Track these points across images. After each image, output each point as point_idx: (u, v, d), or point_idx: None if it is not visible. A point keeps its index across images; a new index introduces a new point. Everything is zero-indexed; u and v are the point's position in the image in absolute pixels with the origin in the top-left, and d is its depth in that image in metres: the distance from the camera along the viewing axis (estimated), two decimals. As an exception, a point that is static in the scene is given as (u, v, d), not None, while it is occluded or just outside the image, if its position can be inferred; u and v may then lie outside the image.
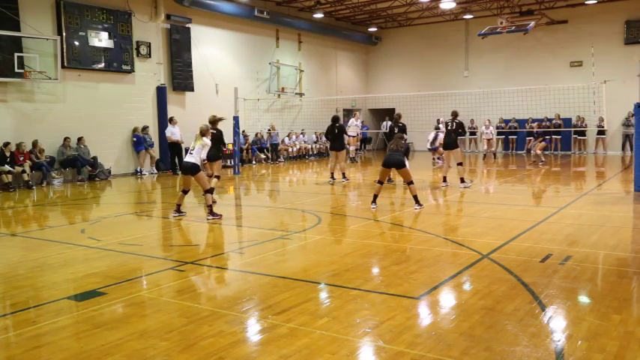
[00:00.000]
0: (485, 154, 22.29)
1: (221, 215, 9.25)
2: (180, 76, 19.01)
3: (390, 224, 8.62)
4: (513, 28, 21.21)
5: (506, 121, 24.98)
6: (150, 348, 3.87)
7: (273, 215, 10.01)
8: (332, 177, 14.01)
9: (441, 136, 18.69)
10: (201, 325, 4.29)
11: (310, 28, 24.67)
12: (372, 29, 28.35)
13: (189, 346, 3.88)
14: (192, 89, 19.41)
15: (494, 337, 3.94)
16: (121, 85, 17.23)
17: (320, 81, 26.38)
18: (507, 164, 20.07)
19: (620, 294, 4.89)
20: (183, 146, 18.19)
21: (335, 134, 13.83)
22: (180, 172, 17.39)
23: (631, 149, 20.83)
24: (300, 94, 24.60)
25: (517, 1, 23.11)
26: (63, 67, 15.35)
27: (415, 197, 9.74)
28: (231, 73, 21.15)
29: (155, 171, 17.99)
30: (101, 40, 16.44)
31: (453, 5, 22.98)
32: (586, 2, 22.88)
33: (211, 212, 9.09)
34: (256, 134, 21.81)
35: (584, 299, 4.88)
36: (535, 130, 19.74)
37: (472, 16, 25.57)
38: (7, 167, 13.84)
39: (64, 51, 15.43)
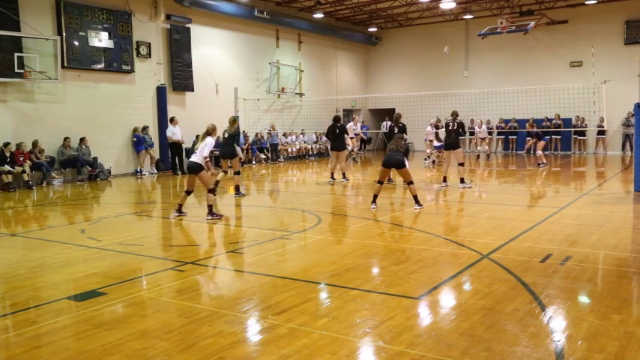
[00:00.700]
0: (478, 155, 22.15)
1: (221, 216, 9.24)
2: (180, 76, 19.01)
3: (390, 224, 8.62)
4: (513, 28, 21.21)
5: (506, 121, 24.98)
6: (150, 348, 3.87)
7: (273, 215, 10.01)
8: (332, 177, 14.01)
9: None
10: (201, 325, 4.29)
11: (310, 28, 24.67)
12: (372, 29, 28.35)
13: (189, 346, 3.88)
14: (192, 89, 19.41)
15: (494, 337, 3.94)
16: (121, 85, 17.23)
17: (320, 81, 26.38)
18: (507, 164, 20.07)
19: (620, 294, 4.89)
20: (184, 146, 18.27)
21: (336, 134, 13.80)
22: (180, 173, 17.51)
23: (631, 149, 20.83)
24: (300, 94, 24.60)
25: (517, 1, 23.11)
26: (63, 67, 15.35)
27: (415, 197, 9.73)
28: (231, 73, 21.15)
29: (155, 171, 17.99)
30: (101, 40, 16.45)
31: (453, 5, 22.98)
32: (586, 2, 22.87)
33: (210, 212, 9.10)
34: (256, 134, 21.81)
35: (584, 299, 4.88)
36: (530, 129, 19.26)
37: (472, 16, 25.56)
38: (7, 167, 13.84)
39: (64, 51, 15.43)
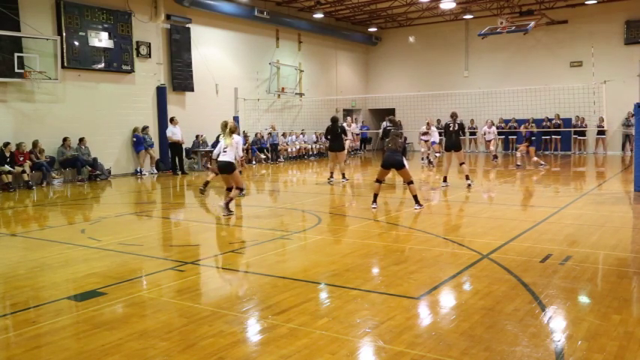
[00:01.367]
0: (495, 156, 20.76)
1: (233, 213, 9.26)
2: (180, 76, 19.01)
3: (390, 224, 8.62)
4: (513, 28, 21.21)
5: (506, 121, 24.98)
6: (150, 348, 3.87)
7: (273, 215, 10.01)
8: (331, 177, 14.02)
9: (436, 135, 18.72)
10: (201, 325, 4.29)
11: (310, 28, 24.67)
12: (372, 29, 28.35)
13: (189, 346, 3.88)
14: (192, 89, 19.41)
15: (494, 337, 3.94)
16: (121, 85, 17.23)
17: (320, 81, 26.38)
18: (507, 164, 20.06)
19: (620, 294, 4.89)
20: (184, 146, 18.28)
21: (336, 134, 13.81)
22: (180, 173, 17.51)
23: (631, 149, 20.82)
24: (300, 94, 24.60)
25: (517, 1, 23.11)
26: (63, 67, 15.36)
27: (415, 197, 9.72)
28: (231, 73, 21.15)
29: (155, 171, 17.99)
30: (101, 40, 16.45)
31: (453, 5, 22.98)
32: (586, 2, 22.88)
33: (227, 207, 9.14)
34: (256, 134, 21.82)
35: (584, 299, 4.88)
36: (524, 130, 18.53)
37: (472, 16, 25.56)
38: (7, 167, 13.84)
39: (64, 51, 15.43)
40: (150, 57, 18.03)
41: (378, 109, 29.00)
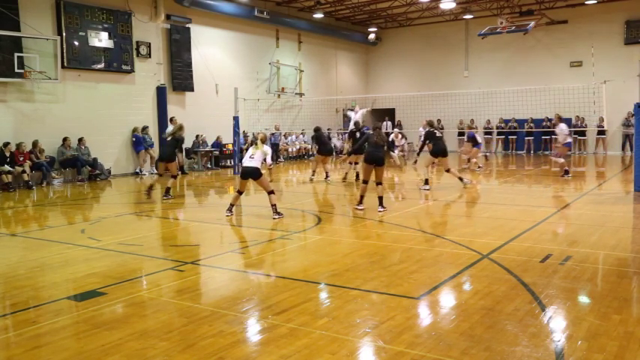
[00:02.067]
0: (486, 155, 20.65)
1: (282, 214, 9.22)
2: (180, 76, 19.01)
3: (390, 224, 8.62)
4: (513, 28, 21.21)
5: (506, 121, 24.98)
6: (150, 348, 3.87)
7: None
8: (327, 175, 14.77)
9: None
10: (201, 325, 4.29)
11: (310, 28, 24.67)
12: (372, 29, 28.32)
13: (189, 346, 3.88)
14: (192, 89, 19.41)
15: (494, 337, 3.94)
16: (120, 85, 17.23)
17: (320, 81, 26.38)
18: (507, 164, 20.07)
19: (620, 294, 4.89)
20: (184, 146, 18.27)
21: (326, 140, 15.04)
22: (180, 173, 17.49)
23: (631, 149, 20.82)
24: (300, 94, 24.60)
25: (517, 1, 23.11)
26: (63, 67, 15.35)
27: (380, 198, 9.57)
28: (231, 73, 21.14)
29: (155, 171, 17.98)
30: (101, 40, 16.44)
31: (453, 5, 22.98)
32: (586, 2, 22.88)
33: (276, 211, 9.14)
34: (252, 134, 21.84)
35: (584, 299, 4.88)
36: (468, 131, 17.40)
37: (472, 16, 25.56)
38: (7, 167, 13.84)
39: (64, 51, 15.42)
40: (150, 57, 18.03)
41: (378, 109, 28.96)
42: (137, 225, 9.37)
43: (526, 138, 24.70)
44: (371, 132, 9.98)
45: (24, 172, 14.11)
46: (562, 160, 14.76)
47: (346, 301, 4.82)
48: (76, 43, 15.84)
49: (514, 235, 7.40)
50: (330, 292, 5.18)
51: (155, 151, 18.10)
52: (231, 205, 9.48)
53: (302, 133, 24.21)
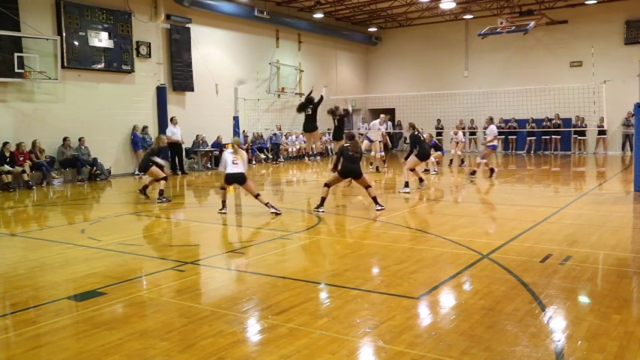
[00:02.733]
0: (462, 160, 18.93)
1: (280, 212, 9.35)
2: (180, 76, 19.01)
3: (390, 224, 8.62)
4: (513, 28, 21.20)
5: (506, 121, 24.99)
6: (150, 348, 3.87)
7: (273, 215, 9.99)
8: (307, 155, 14.83)
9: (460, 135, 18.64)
10: (201, 325, 4.29)
11: (310, 28, 24.67)
12: (372, 29, 28.35)
13: (189, 346, 3.88)
14: (192, 89, 19.41)
15: (494, 337, 3.94)
16: (120, 85, 17.23)
17: (320, 81, 26.30)
18: (507, 164, 20.07)
19: (620, 294, 4.89)
20: (184, 146, 18.28)
21: (308, 115, 13.30)
22: (180, 173, 17.50)
23: (631, 149, 20.82)
24: (300, 94, 24.57)
25: (517, 1, 23.11)
26: (63, 67, 15.35)
27: (374, 198, 9.61)
28: (231, 73, 21.15)
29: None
30: (101, 40, 16.44)
31: (453, 5, 22.98)
32: (586, 2, 22.88)
33: (272, 206, 9.40)
34: (260, 134, 21.84)
35: (584, 299, 4.88)
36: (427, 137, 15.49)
37: (472, 16, 25.56)
38: (7, 167, 13.84)
39: (64, 51, 15.43)
40: (150, 57, 18.03)
41: (378, 109, 28.98)
42: (137, 225, 9.37)
43: (527, 138, 24.71)
44: (346, 144, 9.70)
45: (24, 172, 14.11)
46: (484, 160, 14.75)
47: (346, 301, 4.82)
48: (76, 43, 15.84)
49: (514, 235, 7.40)
50: (330, 292, 5.18)
51: (155, 151, 18.10)
52: (224, 201, 9.73)
53: (302, 134, 24.17)
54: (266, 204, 9.42)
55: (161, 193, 11.47)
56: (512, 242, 6.98)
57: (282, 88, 23.43)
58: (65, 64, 15.47)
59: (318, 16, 23.72)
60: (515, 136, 25.13)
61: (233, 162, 9.51)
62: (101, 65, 16.49)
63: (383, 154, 17.35)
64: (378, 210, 9.43)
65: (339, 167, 9.60)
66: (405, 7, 24.16)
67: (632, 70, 22.83)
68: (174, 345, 3.92)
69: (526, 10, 23.00)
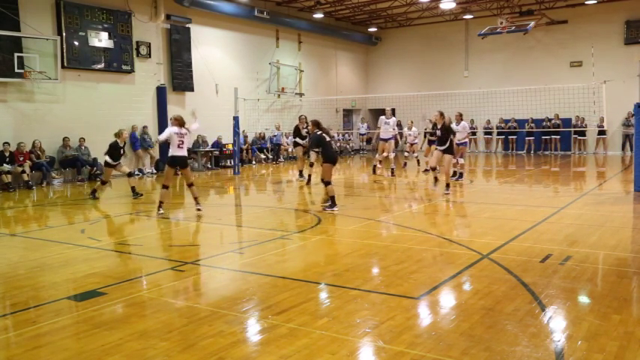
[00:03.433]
0: (405, 163, 18.54)
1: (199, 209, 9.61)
2: (180, 76, 19.01)
3: (390, 224, 8.62)
4: (513, 28, 21.21)
5: (506, 121, 24.99)
6: (150, 348, 3.87)
7: (273, 215, 10.01)
8: (301, 175, 14.53)
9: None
10: (201, 325, 4.29)
11: (310, 28, 24.67)
12: (372, 29, 28.35)
13: (189, 346, 3.88)
14: (192, 89, 19.41)
15: (494, 337, 3.94)
16: (120, 85, 17.23)
17: (320, 81, 26.37)
18: (507, 164, 20.07)
19: (620, 294, 4.89)
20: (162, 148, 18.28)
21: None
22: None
23: (631, 149, 20.83)
24: (300, 94, 24.60)
25: (517, 1, 23.11)
26: (63, 67, 15.35)
27: (332, 198, 9.72)
28: (231, 73, 21.15)
29: (155, 171, 17.98)
30: (101, 40, 16.44)
31: (453, 5, 22.98)
32: (586, 2, 22.88)
33: (198, 203, 9.74)
34: (260, 134, 21.85)
35: (584, 299, 4.88)
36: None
37: (472, 16, 25.57)
38: (7, 167, 13.84)
39: (64, 51, 15.43)
40: (150, 57, 18.03)
41: (378, 109, 28.97)
42: (137, 225, 9.37)
43: (526, 138, 24.71)
44: (319, 133, 9.79)
45: (24, 172, 14.11)
46: (462, 160, 14.07)
47: (346, 301, 4.82)
48: (76, 43, 15.84)
49: (514, 235, 7.40)
50: (330, 292, 5.18)
51: (155, 151, 18.10)
52: (196, 198, 9.82)
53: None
54: (195, 198, 9.65)
55: (133, 189, 11.87)
56: (512, 242, 6.98)
57: (282, 88, 23.43)
58: (65, 64, 15.47)
59: (318, 16, 23.72)
60: (515, 136, 25.14)
61: (179, 145, 9.41)
62: (101, 65, 16.49)
63: (393, 155, 15.83)
64: (333, 210, 9.55)
65: (325, 156, 9.70)
66: (405, 7, 24.16)
67: (632, 70, 22.83)
68: (175, 345, 3.92)
69: (526, 10, 23.01)
